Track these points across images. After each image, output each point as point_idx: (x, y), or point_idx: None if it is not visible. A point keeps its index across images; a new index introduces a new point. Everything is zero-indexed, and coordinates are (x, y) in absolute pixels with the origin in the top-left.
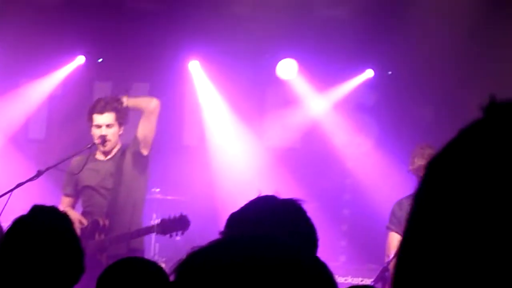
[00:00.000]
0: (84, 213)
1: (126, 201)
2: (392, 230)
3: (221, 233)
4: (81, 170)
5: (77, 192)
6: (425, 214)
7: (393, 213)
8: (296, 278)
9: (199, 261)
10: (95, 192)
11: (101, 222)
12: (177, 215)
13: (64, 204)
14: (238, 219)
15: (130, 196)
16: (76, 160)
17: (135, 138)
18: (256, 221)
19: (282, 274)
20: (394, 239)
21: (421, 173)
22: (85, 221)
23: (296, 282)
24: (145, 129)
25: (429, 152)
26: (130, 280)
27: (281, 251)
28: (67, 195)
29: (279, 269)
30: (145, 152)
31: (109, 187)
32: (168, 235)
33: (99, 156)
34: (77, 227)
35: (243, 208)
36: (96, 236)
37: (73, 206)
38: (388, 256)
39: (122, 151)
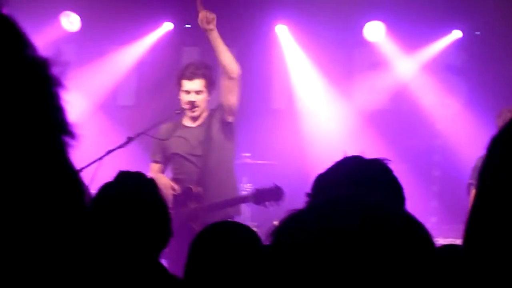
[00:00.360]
0: (174, 180)
1: (217, 167)
2: (475, 186)
3: (308, 195)
4: (170, 137)
5: (166, 159)
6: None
7: (475, 169)
8: (397, 237)
9: (296, 225)
10: (185, 159)
11: (194, 190)
12: (272, 185)
13: (153, 171)
14: (324, 180)
15: (220, 162)
16: (164, 127)
17: (220, 105)
18: (342, 181)
19: (381, 235)
20: None
21: None
22: (177, 188)
23: (397, 240)
24: (230, 97)
25: None
26: (223, 244)
27: (376, 212)
28: (156, 162)
29: (377, 230)
30: (230, 119)
31: (199, 154)
32: (262, 205)
33: (188, 122)
34: (170, 194)
35: (329, 169)
36: (189, 204)
37: (162, 173)
38: None
39: (210, 117)
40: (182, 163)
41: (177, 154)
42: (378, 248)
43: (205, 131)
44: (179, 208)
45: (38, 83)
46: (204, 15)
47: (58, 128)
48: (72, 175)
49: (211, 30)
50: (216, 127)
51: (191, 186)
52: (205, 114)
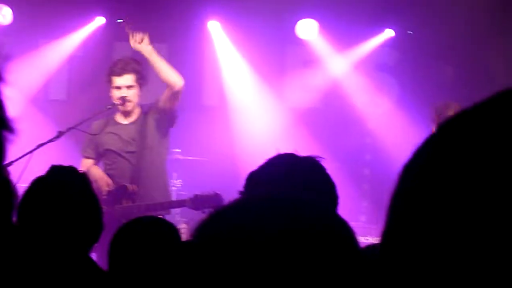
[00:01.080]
0: (106, 175)
1: (151, 165)
2: None
3: (241, 192)
4: (100, 132)
5: (98, 154)
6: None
7: None
8: (318, 237)
9: (217, 223)
10: (118, 155)
11: (129, 188)
12: (211, 192)
13: (84, 166)
14: (257, 178)
15: (154, 160)
16: (96, 123)
17: (160, 108)
18: (275, 179)
19: (303, 233)
20: None
21: None
22: (111, 184)
23: (318, 240)
24: (172, 104)
25: (456, 108)
26: (143, 237)
27: (301, 209)
28: (87, 158)
29: (300, 228)
30: (169, 122)
31: (133, 151)
32: (200, 211)
33: (120, 119)
34: (104, 187)
35: (261, 167)
36: (123, 201)
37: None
38: None
39: (144, 114)
40: (115, 159)
41: (110, 150)
42: (297, 247)
43: (139, 128)
44: (113, 204)
45: None
46: (135, 37)
47: None
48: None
49: (145, 49)
50: (151, 125)
51: (126, 184)
52: (137, 110)
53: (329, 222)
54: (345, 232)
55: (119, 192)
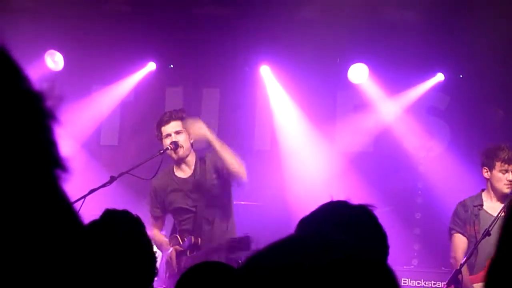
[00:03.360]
0: (180, 232)
1: (215, 213)
2: (457, 232)
3: None
4: (154, 175)
5: (166, 212)
6: None
7: (456, 214)
8: (357, 279)
9: (256, 262)
10: (188, 211)
11: (193, 240)
12: (243, 235)
13: (154, 226)
14: (308, 223)
15: (217, 207)
16: (159, 182)
17: (227, 171)
18: (326, 225)
19: (340, 274)
20: (460, 241)
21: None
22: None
23: (357, 283)
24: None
25: (507, 149)
26: (204, 283)
27: (339, 250)
28: (156, 217)
29: (337, 268)
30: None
31: (196, 204)
32: (235, 254)
33: (179, 172)
34: (170, 250)
35: (313, 212)
36: (188, 253)
37: (162, 225)
38: (454, 258)
39: (201, 160)
40: (187, 215)
41: (179, 207)
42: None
43: (199, 180)
44: (181, 257)
45: (33, 116)
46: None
47: (52, 162)
48: (66, 207)
49: (209, 140)
50: (210, 173)
51: (194, 238)
52: (192, 158)
53: (373, 268)
54: (386, 277)
55: (190, 246)
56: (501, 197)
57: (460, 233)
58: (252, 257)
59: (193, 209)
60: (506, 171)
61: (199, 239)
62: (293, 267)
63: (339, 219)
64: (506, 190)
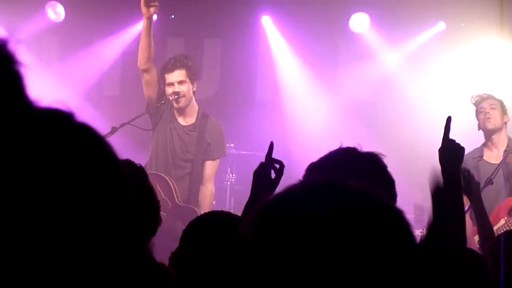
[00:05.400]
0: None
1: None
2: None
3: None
4: (156, 126)
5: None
6: None
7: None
8: (374, 223)
9: (272, 209)
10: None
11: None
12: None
13: None
14: (317, 168)
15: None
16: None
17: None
18: (335, 171)
19: (360, 220)
20: None
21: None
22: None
23: (374, 227)
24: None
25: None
26: (212, 231)
27: (358, 197)
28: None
29: (358, 215)
30: None
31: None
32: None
33: (180, 119)
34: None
35: (323, 158)
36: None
37: None
38: None
39: (204, 118)
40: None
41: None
42: (352, 232)
43: (198, 132)
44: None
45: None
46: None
47: (23, 106)
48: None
49: (149, 16)
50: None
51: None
52: (195, 110)
53: (385, 211)
54: (401, 221)
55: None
56: (493, 140)
57: None
58: (267, 205)
59: (190, 159)
60: (483, 109)
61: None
62: (311, 214)
63: (348, 165)
64: (488, 125)
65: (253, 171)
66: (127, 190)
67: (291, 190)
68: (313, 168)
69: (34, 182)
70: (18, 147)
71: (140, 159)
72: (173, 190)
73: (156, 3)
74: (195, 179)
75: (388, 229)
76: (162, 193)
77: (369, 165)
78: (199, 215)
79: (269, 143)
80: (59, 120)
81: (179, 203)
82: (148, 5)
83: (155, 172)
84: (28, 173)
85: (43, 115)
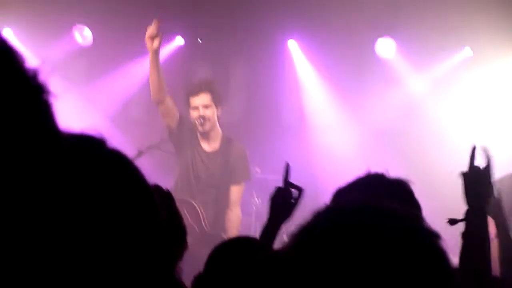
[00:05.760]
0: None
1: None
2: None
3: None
4: (181, 150)
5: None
6: None
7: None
8: (419, 250)
9: (310, 233)
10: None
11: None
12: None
13: None
14: (345, 193)
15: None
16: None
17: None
18: (364, 196)
19: (399, 243)
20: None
21: None
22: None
23: (414, 253)
24: None
25: None
26: (237, 257)
27: (396, 219)
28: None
29: (398, 238)
30: None
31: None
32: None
33: (204, 144)
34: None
35: (351, 183)
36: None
37: None
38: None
39: (229, 144)
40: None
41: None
42: (395, 256)
43: (223, 157)
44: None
45: (29, 92)
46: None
47: (51, 135)
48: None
49: (154, 49)
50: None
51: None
52: (218, 135)
53: (427, 236)
54: (441, 247)
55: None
56: None
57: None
58: (305, 229)
59: (215, 185)
60: None
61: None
62: (350, 236)
63: (376, 190)
64: None
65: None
66: (157, 216)
67: (326, 214)
68: (341, 193)
69: (67, 210)
70: (48, 178)
71: (166, 183)
72: (201, 215)
73: (159, 37)
74: (221, 205)
75: (430, 255)
76: (189, 219)
77: (397, 190)
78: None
79: (294, 167)
80: (92, 148)
81: (206, 230)
82: (151, 38)
83: (182, 197)
84: (60, 203)
85: (75, 143)
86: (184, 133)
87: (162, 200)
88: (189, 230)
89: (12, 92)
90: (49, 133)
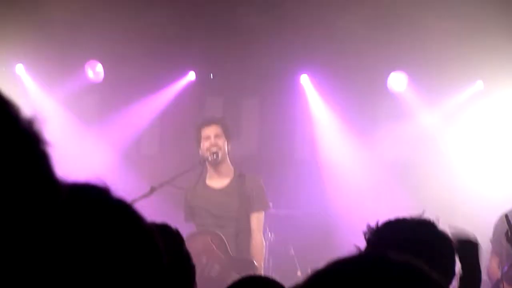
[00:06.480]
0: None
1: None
2: (492, 247)
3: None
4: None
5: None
6: None
7: (495, 227)
8: None
9: (333, 273)
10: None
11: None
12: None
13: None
14: (384, 240)
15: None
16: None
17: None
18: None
19: None
20: (494, 255)
21: None
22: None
23: None
24: None
25: None
26: None
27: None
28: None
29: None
30: None
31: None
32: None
33: (212, 182)
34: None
35: (386, 227)
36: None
37: None
38: (489, 268)
39: (242, 179)
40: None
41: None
42: None
43: (235, 193)
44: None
45: (26, 144)
46: None
47: (51, 187)
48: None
49: None
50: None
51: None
52: (229, 170)
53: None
54: None
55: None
56: None
57: (493, 247)
58: (319, 275)
59: (235, 218)
60: None
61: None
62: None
63: (413, 237)
64: None
65: (291, 230)
66: (161, 263)
67: (351, 259)
68: (376, 237)
69: (68, 261)
70: (46, 231)
71: (178, 218)
72: (226, 244)
73: None
74: (244, 235)
75: None
76: (214, 246)
77: (433, 241)
78: (255, 265)
79: (307, 202)
80: (93, 199)
81: (232, 255)
82: None
83: (205, 229)
84: (61, 254)
85: (77, 194)
86: (197, 167)
87: (170, 241)
88: (216, 259)
89: (7, 145)
90: (47, 186)
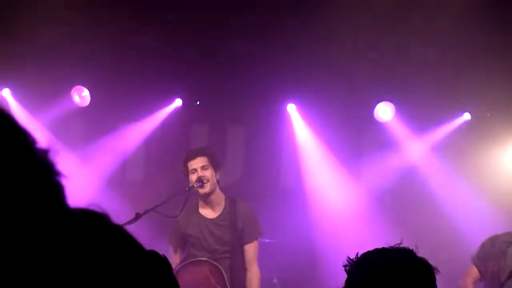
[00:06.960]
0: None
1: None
2: (474, 264)
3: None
4: (179, 213)
5: (184, 246)
6: None
7: (481, 247)
8: None
9: None
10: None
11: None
12: None
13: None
14: (378, 275)
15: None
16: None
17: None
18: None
19: None
20: (473, 271)
21: None
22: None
23: None
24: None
25: None
26: None
27: None
28: (174, 251)
29: None
30: None
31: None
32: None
33: (204, 211)
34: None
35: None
36: None
37: (178, 259)
38: (463, 282)
39: (231, 203)
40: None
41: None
42: None
43: (227, 222)
44: None
45: (43, 175)
46: None
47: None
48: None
49: None
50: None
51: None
52: (220, 199)
53: None
54: None
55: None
56: None
57: (476, 266)
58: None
59: (228, 250)
60: None
61: None
62: None
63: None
64: None
65: (277, 258)
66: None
67: None
68: (368, 274)
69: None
70: (60, 256)
71: (164, 246)
72: (224, 276)
73: None
74: (237, 267)
75: None
76: (212, 280)
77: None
78: None
79: (293, 230)
80: (97, 225)
81: None
82: None
83: (205, 259)
84: (70, 278)
85: (83, 219)
86: (186, 196)
87: (159, 267)
88: None
89: (24, 174)
90: (59, 213)
